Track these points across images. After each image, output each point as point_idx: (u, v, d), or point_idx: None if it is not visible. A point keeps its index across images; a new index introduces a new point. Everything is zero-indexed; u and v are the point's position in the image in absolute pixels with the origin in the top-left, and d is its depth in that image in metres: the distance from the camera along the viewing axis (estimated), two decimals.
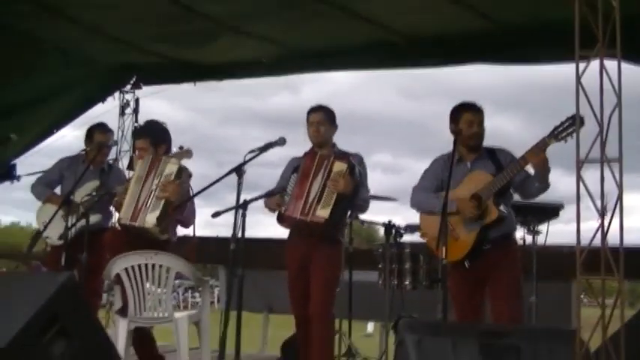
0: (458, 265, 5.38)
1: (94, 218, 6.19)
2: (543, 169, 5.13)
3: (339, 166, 5.56)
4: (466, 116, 5.45)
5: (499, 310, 5.30)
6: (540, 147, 5.05)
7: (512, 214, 5.49)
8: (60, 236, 6.30)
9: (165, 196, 5.76)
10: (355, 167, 5.61)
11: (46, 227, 6.39)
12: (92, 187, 6.54)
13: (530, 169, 5.26)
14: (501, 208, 5.27)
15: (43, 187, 6.78)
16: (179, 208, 5.79)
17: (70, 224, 6.19)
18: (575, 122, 4.70)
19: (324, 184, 5.55)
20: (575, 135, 4.26)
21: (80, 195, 6.43)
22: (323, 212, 5.49)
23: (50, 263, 6.72)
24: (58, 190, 6.86)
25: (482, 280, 5.38)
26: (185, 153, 6.07)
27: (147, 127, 6.51)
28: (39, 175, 6.97)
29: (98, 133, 6.76)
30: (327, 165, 5.60)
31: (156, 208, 5.75)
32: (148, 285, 5.66)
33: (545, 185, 5.26)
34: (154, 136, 6.14)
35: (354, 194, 5.60)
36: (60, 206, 6.29)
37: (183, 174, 5.91)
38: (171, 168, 5.85)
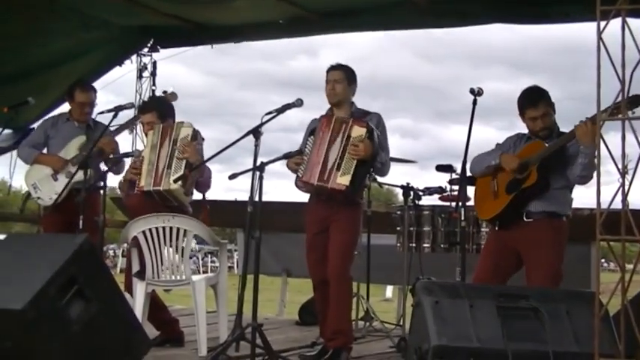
0: (494, 227, 5.43)
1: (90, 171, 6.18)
2: (586, 142, 4.86)
3: (358, 131, 5.45)
4: (528, 113, 5.29)
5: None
6: (592, 119, 4.76)
7: (569, 197, 5.35)
8: (60, 195, 6.29)
9: (186, 156, 5.82)
10: (374, 131, 5.52)
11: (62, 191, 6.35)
12: (79, 143, 6.47)
13: None
14: (547, 178, 5.17)
15: (29, 149, 6.71)
16: (197, 168, 5.80)
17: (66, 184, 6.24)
18: (636, 101, 4.48)
19: (343, 150, 5.46)
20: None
21: (68, 154, 6.45)
22: (344, 180, 5.41)
23: (46, 226, 6.68)
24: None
25: (517, 252, 5.30)
26: (170, 96, 6.39)
27: (153, 102, 6.83)
28: None
29: (78, 92, 6.67)
30: (346, 129, 5.50)
31: (178, 170, 5.80)
32: (165, 248, 5.67)
33: (587, 162, 4.95)
34: (160, 110, 6.20)
35: (373, 158, 5.52)
36: (76, 170, 6.24)
37: (198, 136, 5.98)
38: (186, 131, 5.94)
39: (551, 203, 5.22)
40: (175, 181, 5.74)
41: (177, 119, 6.25)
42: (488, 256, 5.48)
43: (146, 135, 6.22)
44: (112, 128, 6.59)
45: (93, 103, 6.68)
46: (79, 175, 6.08)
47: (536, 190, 5.19)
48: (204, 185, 6.11)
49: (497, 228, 5.41)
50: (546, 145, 5.19)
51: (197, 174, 5.92)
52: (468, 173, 5.45)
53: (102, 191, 6.13)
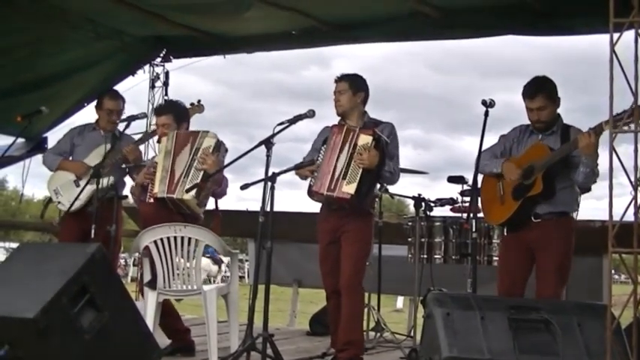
0: (502, 232, 5.50)
1: (108, 180, 6.23)
2: (588, 153, 4.97)
3: (364, 139, 5.46)
4: (526, 102, 5.36)
5: (540, 288, 5.27)
6: (595, 130, 4.87)
7: (575, 194, 5.37)
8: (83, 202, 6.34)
9: (205, 167, 5.75)
10: (381, 138, 5.51)
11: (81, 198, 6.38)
12: (103, 150, 6.39)
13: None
14: (553, 185, 5.19)
15: (54, 156, 6.73)
16: (210, 178, 5.77)
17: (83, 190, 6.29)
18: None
19: (349, 159, 5.46)
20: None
21: (92, 161, 6.45)
22: (349, 188, 5.41)
23: (63, 233, 6.70)
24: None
25: (529, 249, 5.34)
26: (197, 108, 6.40)
27: (170, 105, 6.72)
28: None
29: (107, 100, 6.71)
30: (353, 138, 5.51)
31: (194, 180, 5.74)
32: (177, 258, 5.66)
33: (589, 172, 5.07)
34: (176, 114, 6.17)
35: (380, 166, 5.51)
36: (90, 178, 6.27)
37: (221, 147, 5.93)
38: (209, 141, 5.87)
39: (558, 205, 5.27)
40: (188, 190, 5.72)
41: (193, 128, 6.24)
42: (504, 262, 5.53)
43: (159, 140, 6.18)
44: (135, 137, 6.65)
45: (121, 112, 6.68)
46: (105, 180, 6.14)
47: (542, 198, 5.23)
48: (220, 194, 6.09)
49: (505, 233, 5.47)
50: (550, 150, 5.21)
51: (213, 185, 5.90)
52: (479, 184, 5.46)
53: (117, 201, 6.16)
